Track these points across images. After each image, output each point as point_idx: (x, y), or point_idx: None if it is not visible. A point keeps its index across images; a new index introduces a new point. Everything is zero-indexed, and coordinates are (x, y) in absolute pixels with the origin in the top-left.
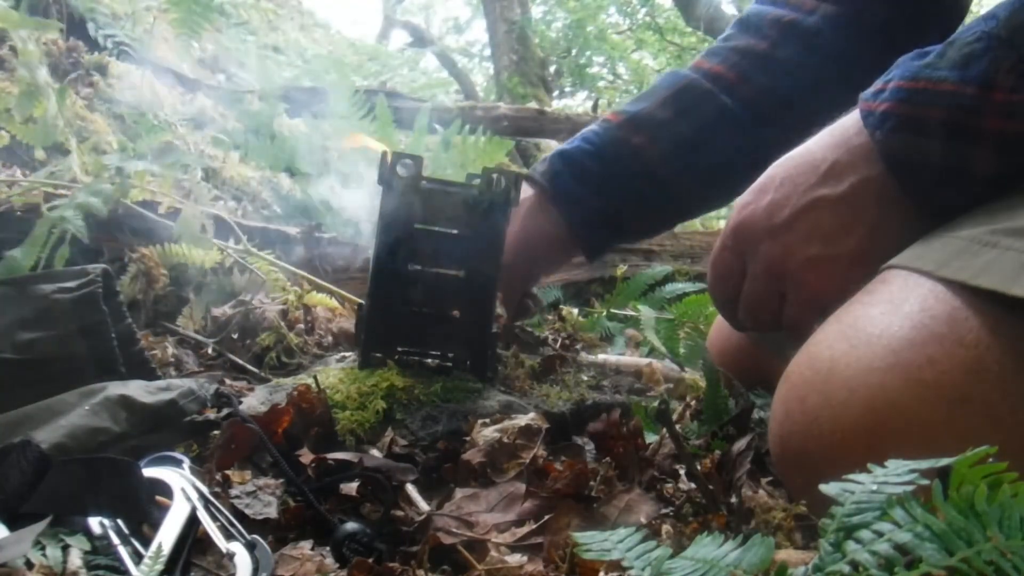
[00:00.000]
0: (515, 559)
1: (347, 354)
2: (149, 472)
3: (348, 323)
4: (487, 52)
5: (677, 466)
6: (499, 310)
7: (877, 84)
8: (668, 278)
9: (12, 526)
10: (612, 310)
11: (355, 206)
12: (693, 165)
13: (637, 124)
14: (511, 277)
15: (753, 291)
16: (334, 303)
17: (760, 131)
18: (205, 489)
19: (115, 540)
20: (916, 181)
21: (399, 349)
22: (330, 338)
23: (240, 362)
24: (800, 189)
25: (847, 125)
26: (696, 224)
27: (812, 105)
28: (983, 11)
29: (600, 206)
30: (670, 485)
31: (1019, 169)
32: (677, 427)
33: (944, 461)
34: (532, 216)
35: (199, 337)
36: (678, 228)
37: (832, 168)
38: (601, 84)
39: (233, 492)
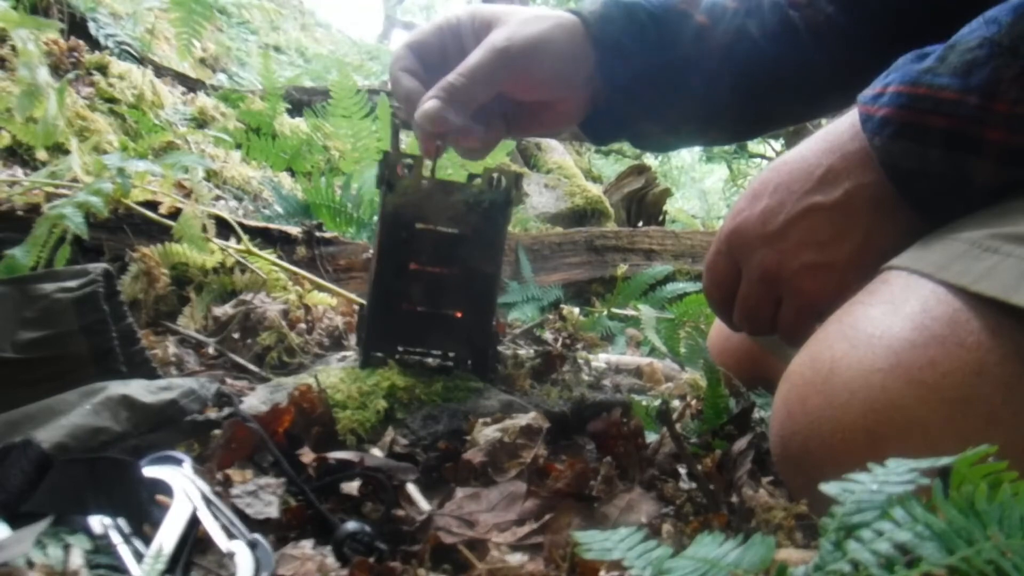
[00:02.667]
0: (516, 558)
1: (348, 353)
2: (150, 471)
3: (346, 321)
4: None
5: (678, 465)
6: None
7: (876, 87)
8: (669, 278)
9: (13, 525)
10: (613, 309)
11: None
12: (747, 68)
13: (703, 3)
14: (502, 67)
15: (749, 296)
16: (334, 301)
17: (815, 52)
18: (206, 488)
19: (116, 539)
20: (914, 188)
21: (400, 348)
22: (327, 340)
23: (241, 361)
24: (794, 195)
25: (841, 130)
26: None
27: (870, 42)
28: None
29: (639, 66)
30: (671, 484)
31: (1020, 181)
32: (678, 426)
33: (944, 461)
34: (560, 27)
35: (200, 336)
36: (678, 228)
37: (826, 174)
38: None
39: (234, 491)
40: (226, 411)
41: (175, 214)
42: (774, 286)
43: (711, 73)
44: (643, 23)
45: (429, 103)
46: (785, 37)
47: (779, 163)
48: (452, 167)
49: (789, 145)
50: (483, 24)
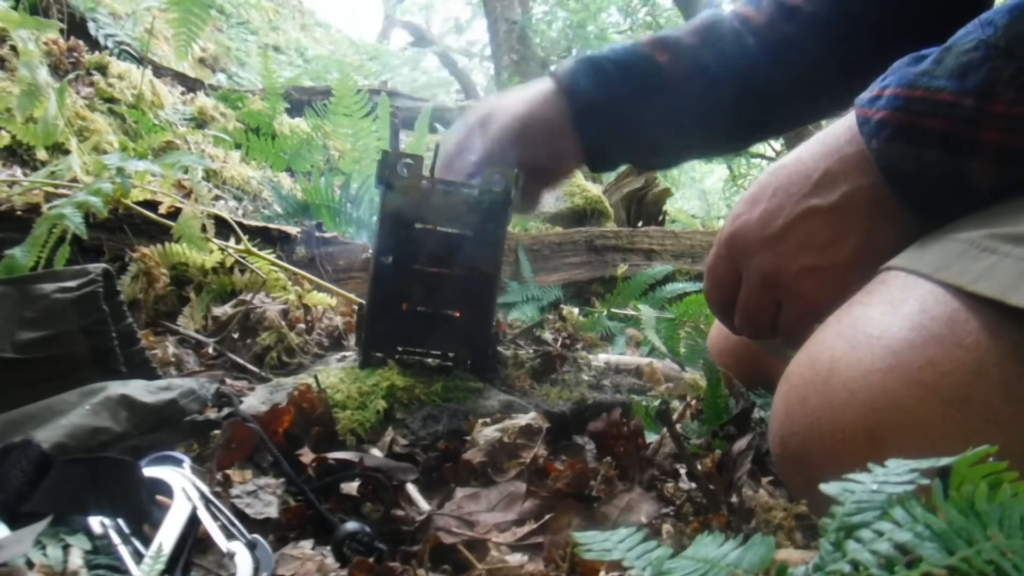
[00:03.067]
0: (515, 559)
1: (347, 353)
2: (150, 472)
3: (345, 321)
4: (488, 52)
5: (678, 466)
6: (499, 314)
7: (873, 89)
8: (668, 278)
9: (13, 525)
10: (613, 309)
11: None
12: (707, 93)
13: (664, 44)
14: (501, 150)
15: (749, 300)
16: (333, 301)
17: (773, 77)
18: (206, 489)
19: (116, 539)
20: (912, 190)
21: (399, 348)
22: (327, 340)
23: (241, 361)
24: (793, 199)
25: (839, 133)
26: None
27: (829, 65)
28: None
29: (612, 113)
30: (671, 485)
31: (1018, 182)
32: (677, 427)
33: (944, 461)
34: (542, 100)
35: (200, 337)
36: (678, 228)
37: (824, 177)
38: None
39: (234, 492)
40: (226, 411)
41: (175, 214)
42: (774, 289)
43: (677, 104)
44: (609, 73)
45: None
46: (742, 62)
47: (777, 167)
48: None
49: (789, 145)
50: (484, 118)
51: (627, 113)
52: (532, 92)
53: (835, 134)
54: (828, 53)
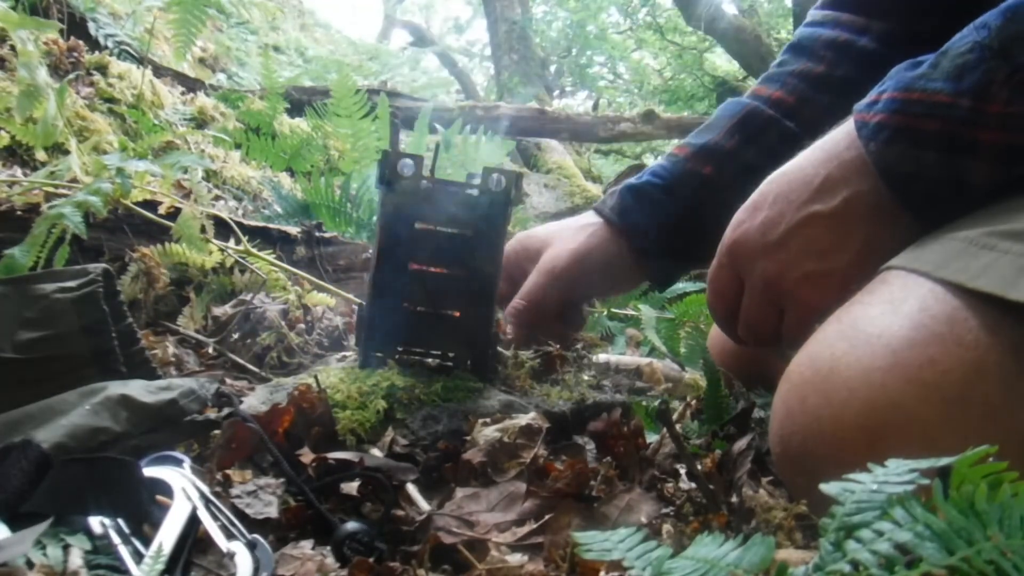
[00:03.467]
0: (516, 559)
1: (347, 353)
2: (150, 472)
3: (345, 321)
4: (488, 52)
5: (678, 466)
6: (499, 315)
7: (871, 95)
8: None
9: (13, 526)
10: (613, 309)
11: None
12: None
13: (705, 155)
14: (556, 287)
15: (751, 308)
16: (333, 301)
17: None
18: (206, 489)
19: (116, 539)
20: (911, 192)
21: (399, 349)
22: (327, 340)
23: (241, 362)
24: (793, 206)
25: (838, 139)
26: None
27: None
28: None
29: (671, 237)
30: (671, 485)
31: (1015, 180)
32: (678, 427)
33: (944, 461)
34: (599, 240)
35: (200, 337)
36: None
37: (824, 183)
38: (602, 84)
39: (234, 492)
40: (226, 411)
41: (175, 214)
42: (777, 296)
43: (733, 208)
44: (655, 199)
45: (508, 326)
46: (784, 149)
47: (778, 174)
48: (452, 167)
49: None
50: (535, 250)
51: (686, 235)
52: (587, 229)
53: (834, 140)
54: None
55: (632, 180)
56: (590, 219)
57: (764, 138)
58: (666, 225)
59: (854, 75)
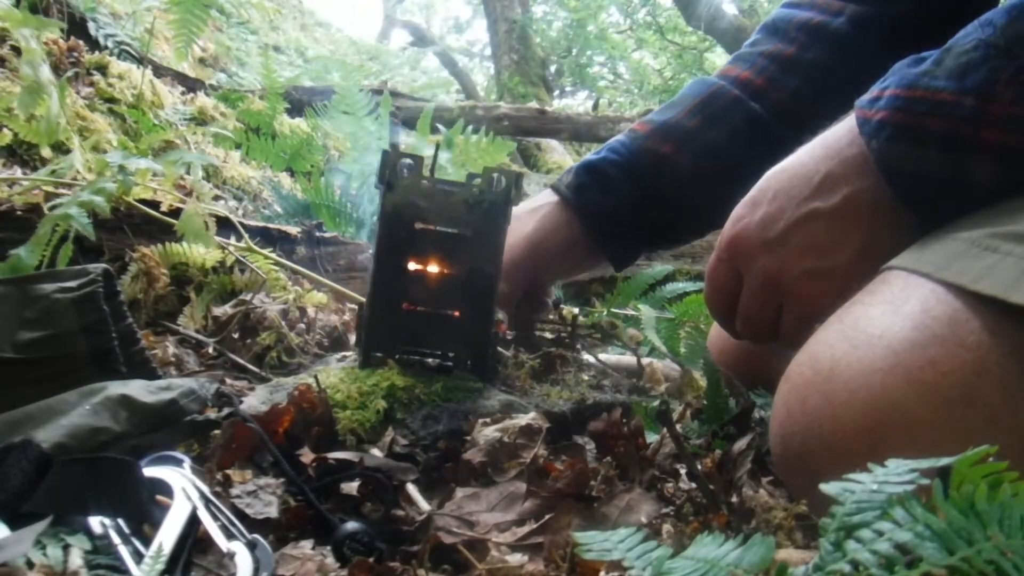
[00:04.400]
0: (516, 559)
1: (347, 353)
2: (150, 472)
3: (345, 321)
4: (488, 52)
5: (678, 466)
6: (500, 315)
7: (873, 91)
8: (669, 277)
9: (13, 526)
10: (613, 309)
11: None
12: (723, 173)
13: (665, 133)
14: (515, 275)
15: (750, 304)
16: (333, 301)
17: (789, 136)
18: (206, 489)
19: (116, 539)
20: (913, 191)
21: (399, 349)
22: (327, 340)
23: (241, 361)
24: (794, 202)
25: (839, 135)
26: None
27: (842, 107)
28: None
29: (627, 217)
30: (671, 485)
31: (1019, 181)
32: (678, 427)
33: (944, 461)
34: (553, 222)
35: (200, 336)
36: None
37: (825, 180)
38: (602, 83)
39: (234, 492)
40: (226, 411)
41: (175, 213)
42: (775, 293)
43: (693, 190)
44: (615, 179)
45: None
46: (748, 131)
47: (778, 170)
48: (452, 167)
49: None
50: None
51: (643, 214)
52: (539, 212)
53: (836, 137)
54: (835, 98)
55: (590, 156)
56: (544, 199)
57: (728, 119)
58: (621, 206)
59: (824, 59)
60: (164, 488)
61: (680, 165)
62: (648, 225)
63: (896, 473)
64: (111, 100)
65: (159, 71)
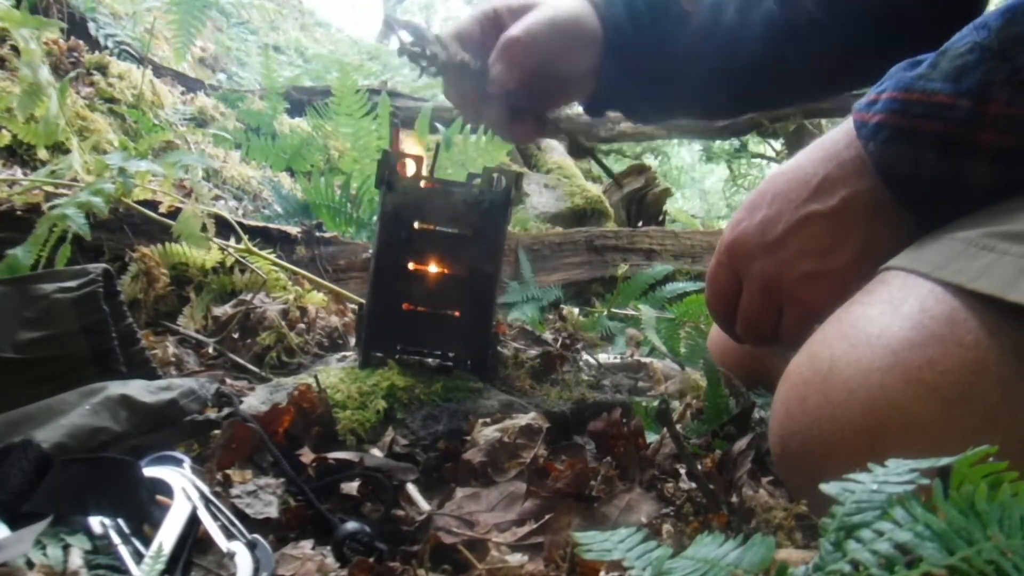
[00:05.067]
0: (516, 559)
1: (347, 353)
2: (150, 472)
3: (344, 321)
4: None
5: (678, 466)
6: (499, 315)
7: (870, 95)
8: (669, 278)
9: (13, 526)
10: (613, 309)
11: None
12: (725, 55)
13: None
14: (553, 31)
15: (750, 307)
16: (333, 302)
17: (788, 51)
18: (206, 489)
19: (116, 539)
20: (910, 192)
21: (399, 348)
22: (327, 340)
23: (241, 361)
24: (792, 205)
25: (837, 138)
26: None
27: (841, 43)
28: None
29: (632, 49)
30: (671, 485)
31: (1015, 182)
32: (678, 427)
33: (944, 461)
34: (581, 8)
35: (200, 336)
36: (678, 228)
37: (823, 182)
38: None
39: (234, 492)
40: (226, 411)
41: (175, 213)
42: (775, 296)
43: (694, 56)
44: (639, 9)
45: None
46: (762, 29)
47: (776, 173)
48: (452, 167)
49: (789, 144)
50: (521, 7)
51: (645, 55)
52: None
53: (833, 140)
54: (841, 40)
55: None
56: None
57: (751, 9)
58: (634, 31)
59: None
60: (164, 488)
61: (694, 27)
62: (641, 71)
63: (896, 473)
64: (111, 100)
65: (159, 71)
